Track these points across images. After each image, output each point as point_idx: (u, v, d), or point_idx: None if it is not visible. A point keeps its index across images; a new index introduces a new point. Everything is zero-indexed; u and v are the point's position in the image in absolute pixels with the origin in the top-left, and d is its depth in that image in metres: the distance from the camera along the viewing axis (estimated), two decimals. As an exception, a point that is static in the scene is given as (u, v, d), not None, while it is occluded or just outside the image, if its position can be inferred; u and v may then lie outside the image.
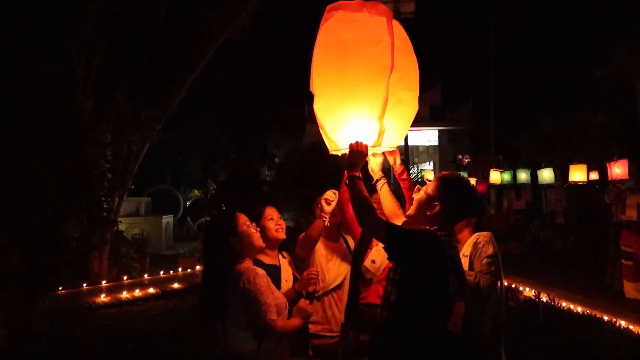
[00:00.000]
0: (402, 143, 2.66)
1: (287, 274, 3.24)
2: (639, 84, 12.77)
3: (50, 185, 6.34)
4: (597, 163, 9.48)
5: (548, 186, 13.53)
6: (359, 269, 3.41)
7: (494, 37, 18.62)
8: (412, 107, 2.74)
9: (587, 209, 11.43)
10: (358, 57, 2.55)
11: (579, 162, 9.19)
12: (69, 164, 6.72)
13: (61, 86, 7.73)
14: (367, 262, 3.36)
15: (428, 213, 2.50)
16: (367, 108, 2.55)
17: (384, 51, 2.53)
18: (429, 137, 23.95)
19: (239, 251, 2.59)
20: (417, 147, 25.18)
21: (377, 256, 3.33)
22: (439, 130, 23.90)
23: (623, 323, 6.14)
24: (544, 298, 6.96)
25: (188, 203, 19.79)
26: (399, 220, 2.75)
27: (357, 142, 2.56)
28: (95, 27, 8.93)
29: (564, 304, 7.02)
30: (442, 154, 24.02)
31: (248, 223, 2.66)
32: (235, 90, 29.68)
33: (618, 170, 8.00)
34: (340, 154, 2.81)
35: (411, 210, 2.60)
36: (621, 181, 8.33)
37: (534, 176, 13.58)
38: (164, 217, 16.17)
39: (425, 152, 26.12)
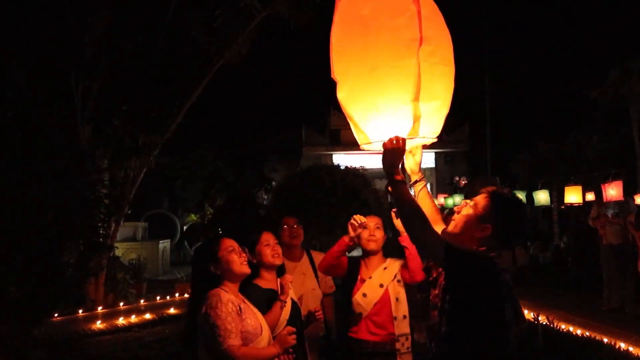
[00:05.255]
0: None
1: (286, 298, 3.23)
2: (633, 105, 12.89)
3: (46, 211, 6.33)
4: (592, 184, 9.52)
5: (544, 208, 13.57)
6: (347, 301, 3.35)
7: (490, 60, 18.85)
8: (449, 86, 2.37)
9: (584, 231, 11.45)
10: (381, 31, 2.23)
11: (575, 183, 9.23)
12: (66, 190, 6.71)
13: (59, 112, 7.77)
14: (357, 296, 3.30)
15: (477, 236, 2.22)
16: (397, 90, 2.21)
17: (410, 22, 2.21)
18: (425, 159, 23.77)
19: (218, 276, 2.59)
20: (414, 169, 25.26)
21: (369, 290, 3.29)
22: (436, 153, 24.02)
23: (623, 345, 6.11)
24: (543, 320, 6.92)
25: (185, 227, 19.74)
26: (438, 229, 2.46)
27: (392, 138, 2.22)
28: (95, 53, 9.03)
29: (563, 326, 6.98)
30: (439, 176, 24.10)
31: (231, 248, 2.64)
32: (233, 114, 29.83)
33: (613, 191, 8.05)
34: (370, 148, 2.49)
35: (456, 229, 2.30)
36: (607, 204, 8.39)
37: (530, 198, 13.62)
38: (160, 242, 16.09)
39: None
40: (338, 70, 2.38)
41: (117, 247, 10.43)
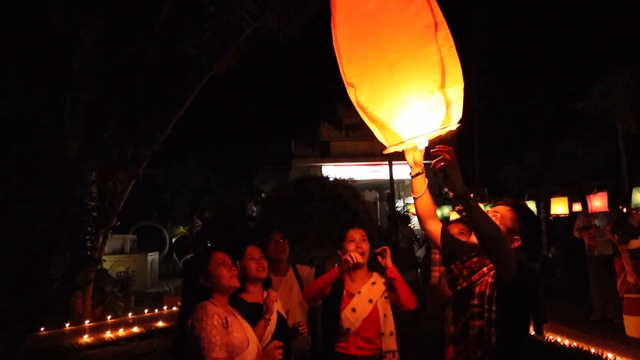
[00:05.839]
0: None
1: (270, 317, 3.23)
2: (618, 117, 13.07)
3: (34, 224, 6.30)
4: (579, 195, 9.61)
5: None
6: (334, 316, 3.33)
7: (477, 71, 19.01)
8: (460, 70, 2.25)
9: (571, 242, 11.54)
10: (393, 25, 2.13)
11: (561, 194, 9.32)
12: (54, 203, 6.68)
13: (48, 124, 7.75)
14: (346, 311, 3.28)
15: None
16: (422, 80, 2.12)
17: (421, 8, 2.15)
18: (415, 171, 24.10)
19: (207, 289, 2.59)
20: (402, 180, 25.36)
21: (358, 305, 3.27)
22: (425, 164, 24.09)
23: (610, 355, 6.14)
24: (531, 330, 6.93)
25: (174, 240, 19.65)
26: (434, 224, 2.62)
27: (438, 158, 2.09)
28: (84, 65, 9.02)
29: (551, 336, 7.01)
30: (429, 187, 24.14)
31: (221, 262, 2.64)
32: (223, 126, 29.86)
33: (598, 202, 8.12)
34: (401, 149, 2.39)
35: None
36: (594, 215, 8.46)
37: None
38: (149, 254, 15.98)
39: (411, 186, 26.27)
40: (352, 74, 2.25)
41: (105, 260, 10.36)
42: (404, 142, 2.25)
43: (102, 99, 9.50)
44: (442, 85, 2.11)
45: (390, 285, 3.33)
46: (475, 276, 2.39)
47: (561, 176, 13.76)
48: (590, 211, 8.46)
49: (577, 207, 9.99)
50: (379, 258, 3.27)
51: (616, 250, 7.56)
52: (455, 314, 2.51)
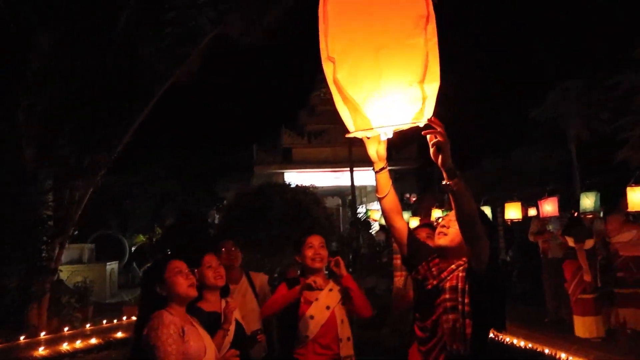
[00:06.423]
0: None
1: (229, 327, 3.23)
2: (570, 124, 13.52)
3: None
4: (533, 200, 9.89)
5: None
6: (292, 323, 3.34)
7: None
8: (439, 69, 2.21)
9: (529, 245, 11.86)
10: (387, 8, 2.10)
11: (515, 199, 9.56)
12: (8, 212, 6.52)
13: (2, 131, 7.56)
14: (304, 318, 3.29)
15: None
16: (404, 70, 2.09)
17: None
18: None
19: (164, 298, 2.58)
20: (365, 186, 25.56)
21: (316, 312, 3.30)
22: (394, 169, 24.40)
23: (563, 355, 6.33)
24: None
25: (134, 249, 19.33)
26: (400, 221, 2.64)
27: (432, 131, 2.07)
28: (39, 71, 8.82)
29: (507, 338, 7.18)
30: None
31: (177, 270, 2.63)
32: (184, 133, 29.57)
33: (549, 207, 8.33)
34: (364, 136, 2.35)
35: (452, 242, 2.45)
36: (548, 220, 8.72)
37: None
38: (108, 263, 15.71)
39: (373, 192, 26.39)
40: (335, 49, 2.19)
41: (61, 270, 10.12)
42: (372, 128, 2.19)
43: (59, 105, 9.29)
44: (422, 80, 2.09)
45: (346, 294, 3.36)
46: (445, 273, 2.47)
47: (517, 182, 14.13)
48: (541, 216, 8.70)
49: (532, 212, 10.26)
50: (334, 268, 3.31)
51: (566, 254, 7.81)
52: (422, 314, 2.55)
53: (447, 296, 2.40)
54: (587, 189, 7.59)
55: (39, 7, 8.65)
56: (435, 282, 2.49)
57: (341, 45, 2.17)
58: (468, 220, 2.20)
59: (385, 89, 2.09)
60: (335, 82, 2.20)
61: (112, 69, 9.74)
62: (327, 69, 2.23)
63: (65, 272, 11.25)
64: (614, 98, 13.04)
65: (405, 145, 24.10)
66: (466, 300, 2.33)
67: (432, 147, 2.10)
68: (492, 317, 2.41)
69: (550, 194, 8.43)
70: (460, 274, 2.41)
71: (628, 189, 6.64)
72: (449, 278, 2.44)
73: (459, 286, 2.38)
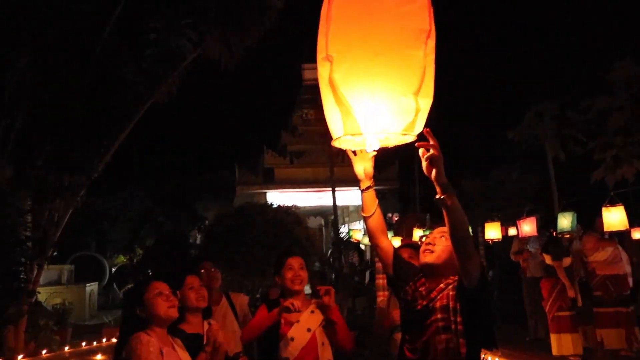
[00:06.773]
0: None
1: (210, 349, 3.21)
2: (547, 144, 13.73)
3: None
4: (513, 220, 10.01)
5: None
6: (272, 345, 3.30)
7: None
8: (433, 86, 2.22)
9: (510, 264, 11.96)
10: (388, 16, 2.09)
11: (495, 219, 9.66)
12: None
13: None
14: (285, 340, 3.26)
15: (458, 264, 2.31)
16: (401, 80, 2.07)
17: (420, 11, 2.12)
18: (358, 196, 24.41)
19: (144, 319, 2.58)
20: (347, 206, 25.63)
21: (297, 334, 3.27)
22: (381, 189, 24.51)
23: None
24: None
25: (114, 269, 19.11)
26: (385, 241, 2.64)
27: (426, 144, 2.06)
28: (16, 90, 8.76)
29: (489, 357, 7.21)
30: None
31: (158, 292, 2.62)
32: (165, 154, 29.46)
33: (527, 227, 8.43)
34: (349, 147, 2.33)
35: (439, 259, 2.44)
36: (528, 239, 8.83)
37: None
38: (87, 285, 15.52)
39: (355, 212, 26.59)
40: (335, 48, 2.15)
41: (39, 292, 9.95)
42: (361, 134, 2.13)
43: (37, 124, 9.22)
44: (417, 92, 2.09)
45: (330, 326, 3.32)
46: (435, 292, 2.44)
47: (496, 202, 14.26)
48: (520, 236, 8.80)
49: (512, 232, 10.39)
50: (323, 297, 3.18)
51: (545, 273, 7.90)
52: (411, 335, 2.52)
53: (439, 316, 2.37)
54: (564, 209, 7.69)
55: (16, 27, 8.62)
56: (424, 303, 2.46)
57: (341, 45, 2.15)
58: (461, 236, 2.18)
59: (380, 95, 2.07)
60: (331, 81, 2.17)
61: (91, 89, 9.71)
62: (324, 68, 2.21)
63: (43, 294, 11.09)
64: (588, 120, 13.30)
65: (386, 165, 24.29)
66: (459, 319, 2.31)
67: (425, 160, 2.09)
68: (483, 336, 2.40)
69: (529, 214, 8.54)
70: (451, 293, 2.39)
71: (603, 209, 6.76)
72: (439, 297, 2.41)
73: (450, 305, 2.36)
